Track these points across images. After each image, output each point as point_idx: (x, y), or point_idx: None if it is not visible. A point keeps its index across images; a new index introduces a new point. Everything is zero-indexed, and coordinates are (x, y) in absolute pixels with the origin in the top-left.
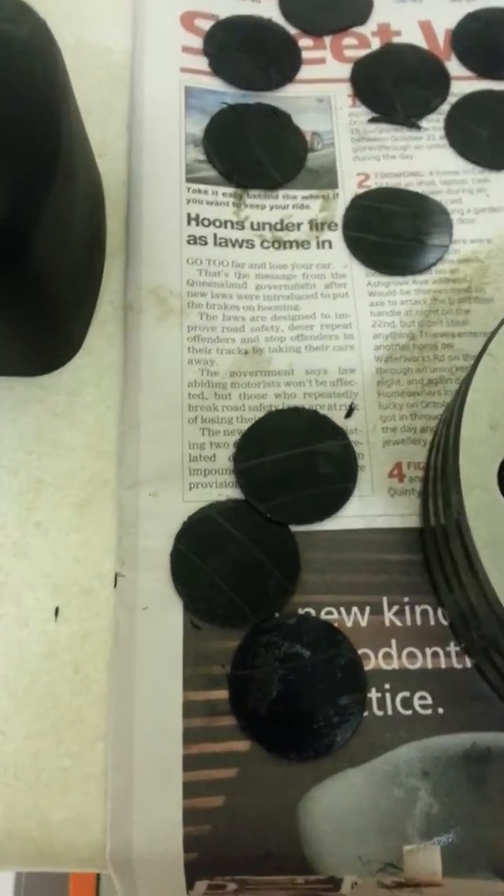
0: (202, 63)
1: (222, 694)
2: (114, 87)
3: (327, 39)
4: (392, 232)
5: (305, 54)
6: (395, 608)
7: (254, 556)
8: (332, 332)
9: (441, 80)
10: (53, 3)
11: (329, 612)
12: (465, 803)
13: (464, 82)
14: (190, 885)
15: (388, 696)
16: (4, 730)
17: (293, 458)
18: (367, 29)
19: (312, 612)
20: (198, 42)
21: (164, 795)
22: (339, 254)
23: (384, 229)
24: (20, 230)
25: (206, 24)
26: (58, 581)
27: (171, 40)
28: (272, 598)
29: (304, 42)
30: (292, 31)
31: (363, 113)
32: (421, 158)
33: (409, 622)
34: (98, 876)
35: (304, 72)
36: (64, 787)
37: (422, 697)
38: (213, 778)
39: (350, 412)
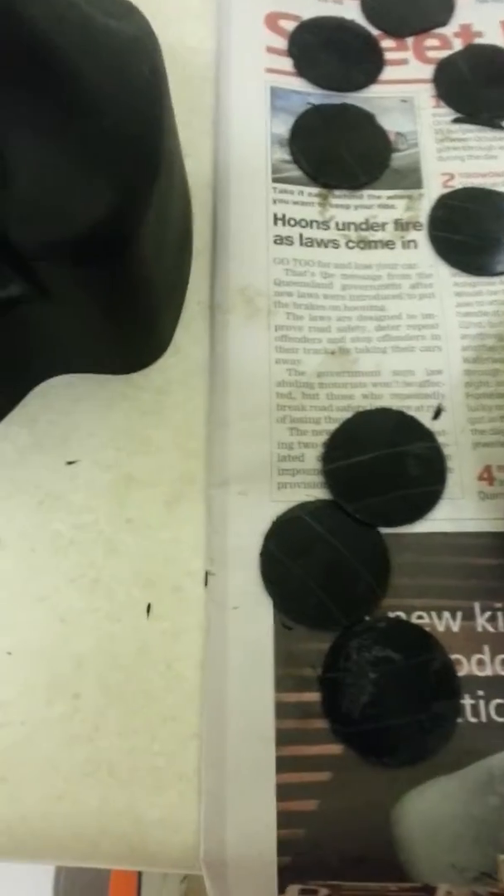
0: (287, 64)
1: (314, 696)
2: (199, 88)
3: (409, 41)
4: (478, 232)
5: (388, 55)
6: (488, 614)
7: (343, 557)
8: (419, 332)
9: None
10: (139, 2)
11: (420, 617)
12: None
13: None
14: (282, 889)
15: (481, 702)
16: (98, 725)
17: (381, 460)
18: (448, 30)
19: (403, 615)
20: (282, 43)
21: (258, 797)
22: (424, 254)
23: (470, 229)
24: (128, 228)
25: (289, 25)
26: (149, 577)
27: (255, 41)
28: (362, 601)
29: (387, 43)
30: (375, 32)
31: (447, 113)
32: None
33: (502, 628)
34: (140, 874)
35: (387, 73)
36: (157, 786)
37: None
38: (307, 781)
39: (437, 414)
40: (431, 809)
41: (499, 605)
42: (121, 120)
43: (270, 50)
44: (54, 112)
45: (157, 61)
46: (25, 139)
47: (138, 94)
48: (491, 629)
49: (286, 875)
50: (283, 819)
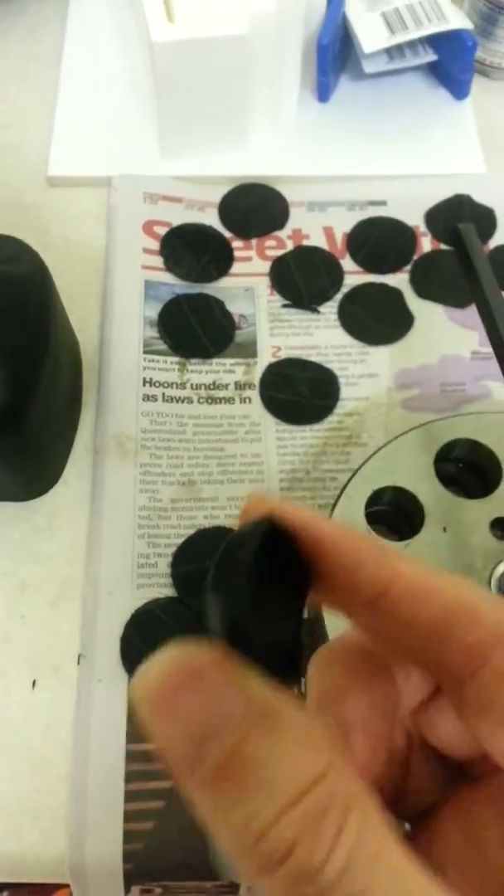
0: (158, 262)
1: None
2: (93, 276)
3: (254, 242)
4: (296, 392)
5: (237, 254)
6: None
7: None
8: (249, 468)
9: (337, 274)
10: (47, 208)
11: None
12: None
13: (354, 276)
14: (127, 890)
15: None
16: None
17: None
18: (283, 233)
19: None
20: (155, 244)
21: (110, 821)
22: (256, 408)
23: (290, 390)
24: (19, 408)
25: (162, 231)
26: (35, 660)
27: (135, 243)
28: None
29: (237, 244)
30: (227, 234)
31: (278, 300)
32: (319, 336)
33: None
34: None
35: (236, 267)
36: (35, 816)
37: None
38: (146, 808)
39: None
40: None
41: None
42: (13, 340)
43: (146, 251)
44: None
45: (45, 291)
46: None
47: (28, 320)
48: None
49: (130, 878)
50: (128, 836)
